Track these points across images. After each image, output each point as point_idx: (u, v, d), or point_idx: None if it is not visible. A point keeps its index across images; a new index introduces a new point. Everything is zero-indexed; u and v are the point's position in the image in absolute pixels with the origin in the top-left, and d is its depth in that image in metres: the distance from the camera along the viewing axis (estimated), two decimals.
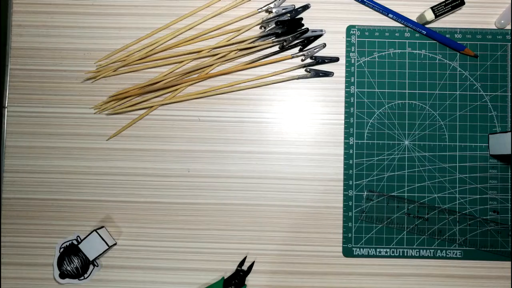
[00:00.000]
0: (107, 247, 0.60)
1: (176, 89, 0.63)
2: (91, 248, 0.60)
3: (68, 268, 0.61)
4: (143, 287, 0.63)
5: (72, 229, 0.63)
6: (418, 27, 0.63)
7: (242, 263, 0.63)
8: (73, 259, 0.61)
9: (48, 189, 0.64)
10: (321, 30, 0.64)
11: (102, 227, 0.62)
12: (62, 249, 0.62)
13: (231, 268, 0.63)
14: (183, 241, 0.63)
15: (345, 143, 0.64)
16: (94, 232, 0.60)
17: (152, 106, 0.63)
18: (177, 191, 0.64)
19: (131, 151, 0.64)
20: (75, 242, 0.61)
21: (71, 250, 0.61)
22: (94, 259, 0.61)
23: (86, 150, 0.64)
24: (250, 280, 0.63)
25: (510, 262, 0.63)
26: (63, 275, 0.61)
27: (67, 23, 0.64)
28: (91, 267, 0.62)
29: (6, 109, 0.64)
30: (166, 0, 0.64)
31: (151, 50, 0.63)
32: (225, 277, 0.62)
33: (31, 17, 0.64)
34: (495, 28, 0.64)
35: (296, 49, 0.64)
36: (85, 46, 0.64)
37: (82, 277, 0.61)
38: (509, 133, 0.59)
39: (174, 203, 0.64)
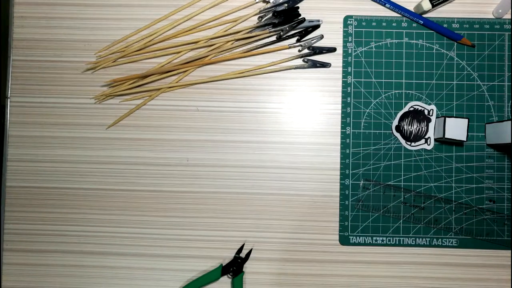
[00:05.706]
0: (464, 140, 0.59)
1: (180, 72, 0.64)
2: (451, 128, 0.59)
3: (405, 127, 0.62)
4: (143, 274, 0.64)
5: (75, 217, 0.64)
6: (415, 17, 0.64)
7: (240, 250, 0.64)
8: (414, 124, 0.62)
9: (50, 178, 0.65)
10: (318, 20, 0.64)
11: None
12: (411, 109, 0.62)
13: (229, 255, 0.64)
14: (182, 229, 0.65)
15: (342, 133, 0.64)
16: (467, 119, 0.59)
17: (151, 95, 0.64)
18: (176, 180, 0.65)
19: (131, 140, 0.65)
20: (425, 112, 0.61)
21: (418, 115, 0.62)
22: (440, 138, 0.60)
23: (87, 140, 0.65)
24: (248, 267, 0.64)
25: (506, 251, 0.63)
26: (397, 129, 0.62)
27: (67, 15, 0.65)
28: (422, 141, 0.62)
29: (9, 99, 0.65)
30: None
31: (149, 41, 0.64)
32: (224, 264, 0.64)
33: (33, 9, 0.65)
34: (493, 17, 0.64)
35: (294, 40, 0.64)
36: (85, 37, 0.65)
37: (409, 143, 0.62)
38: (509, 122, 0.59)
39: (173, 192, 0.65)
